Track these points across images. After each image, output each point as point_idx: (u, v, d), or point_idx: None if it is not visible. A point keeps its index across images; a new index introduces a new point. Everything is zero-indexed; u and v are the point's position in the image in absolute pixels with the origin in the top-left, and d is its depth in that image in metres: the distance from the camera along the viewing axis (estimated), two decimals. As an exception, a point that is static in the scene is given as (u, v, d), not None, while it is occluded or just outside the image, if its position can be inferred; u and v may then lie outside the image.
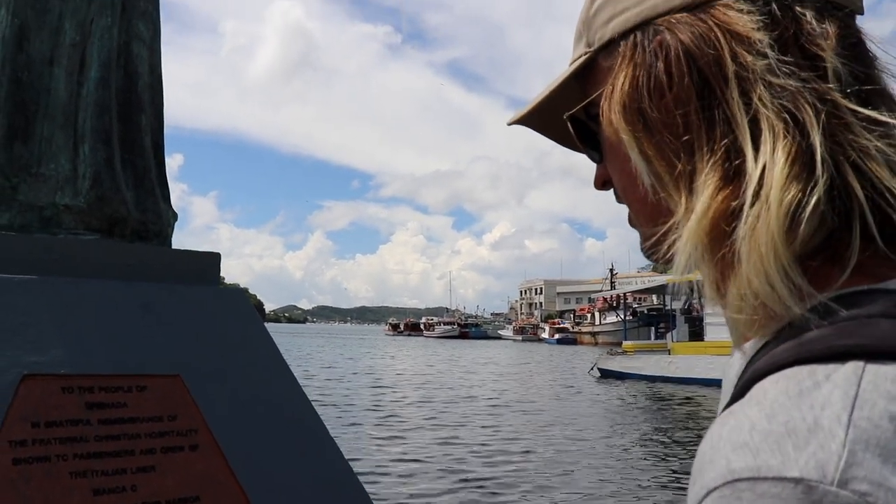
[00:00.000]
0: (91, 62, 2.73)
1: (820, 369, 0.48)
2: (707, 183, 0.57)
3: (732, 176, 0.56)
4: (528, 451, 11.77)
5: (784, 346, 0.51)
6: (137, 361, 2.37)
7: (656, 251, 0.66)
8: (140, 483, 2.19)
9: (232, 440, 2.40)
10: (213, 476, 2.32)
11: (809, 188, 0.52)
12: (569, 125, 0.73)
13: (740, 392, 0.52)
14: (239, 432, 2.44)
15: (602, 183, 0.75)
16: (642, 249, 0.71)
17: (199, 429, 2.37)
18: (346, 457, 2.75)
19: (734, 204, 0.55)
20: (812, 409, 0.45)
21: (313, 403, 2.79)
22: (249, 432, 2.47)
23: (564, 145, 0.80)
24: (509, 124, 0.79)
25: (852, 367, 0.47)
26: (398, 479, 9.57)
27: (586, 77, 0.71)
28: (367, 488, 2.76)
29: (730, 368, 0.63)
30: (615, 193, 0.73)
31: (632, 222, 0.72)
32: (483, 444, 12.36)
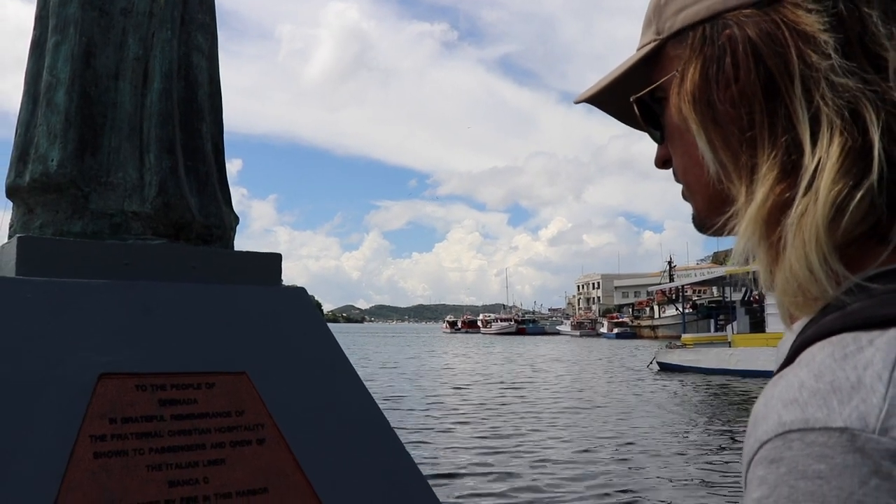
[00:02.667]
0: (154, 74, 2.85)
1: (864, 336, 0.52)
2: (767, 175, 0.61)
3: (791, 170, 0.59)
4: (586, 450, 11.72)
5: (830, 316, 0.56)
6: (205, 360, 2.48)
7: (707, 227, 0.72)
8: (211, 475, 2.30)
9: (297, 434, 2.49)
10: (280, 469, 2.41)
11: (859, 182, 0.56)
12: (634, 107, 0.76)
13: (790, 358, 0.56)
14: (304, 427, 2.52)
15: (662, 162, 0.78)
16: (694, 221, 0.75)
17: (265, 423, 2.46)
18: (410, 451, 2.81)
19: (789, 195, 0.59)
20: (855, 370, 0.50)
21: (375, 398, 2.87)
22: (314, 427, 2.55)
23: (625, 123, 0.84)
24: (576, 102, 0.82)
25: (894, 332, 0.51)
26: (460, 472, 9.64)
27: (654, 62, 0.74)
28: (431, 482, 2.83)
29: (782, 345, 0.67)
30: (674, 173, 0.77)
31: (685, 197, 0.76)
32: (542, 441, 12.35)
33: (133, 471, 2.19)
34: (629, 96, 0.77)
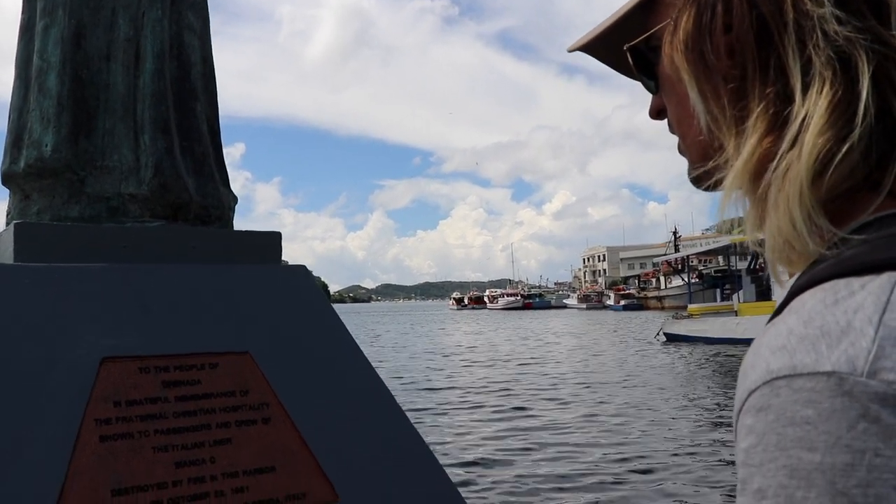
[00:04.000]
0: (145, 54, 2.82)
1: (856, 281, 0.51)
2: (756, 127, 0.59)
3: (781, 122, 0.58)
4: (591, 420, 11.77)
5: (823, 265, 0.54)
6: (208, 340, 2.47)
7: (702, 181, 0.70)
8: (218, 455, 2.29)
9: (303, 412, 2.48)
10: (286, 447, 2.41)
11: (846, 134, 0.54)
12: (628, 55, 0.75)
13: (781, 308, 0.55)
14: (309, 404, 2.52)
15: (657, 112, 0.77)
16: (689, 175, 0.74)
17: (270, 402, 2.45)
18: (416, 427, 2.81)
19: (776, 148, 0.57)
20: (846, 314, 0.49)
21: (385, 377, 2.86)
22: (319, 404, 2.55)
23: (620, 72, 0.82)
24: (570, 51, 0.81)
25: (887, 276, 0.50)
26: (467, 447, 9.69)
27: (649, 9, 0.73)
28: (438, 457, 2.83)
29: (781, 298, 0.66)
30: (669, 124, 0.76)
31: (681, 151, 0.75)
32: (547, 413, 12.40)
33: (139, 453, 2.18)
34: (624, 45, 0.75)
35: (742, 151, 0.60)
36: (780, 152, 0.56)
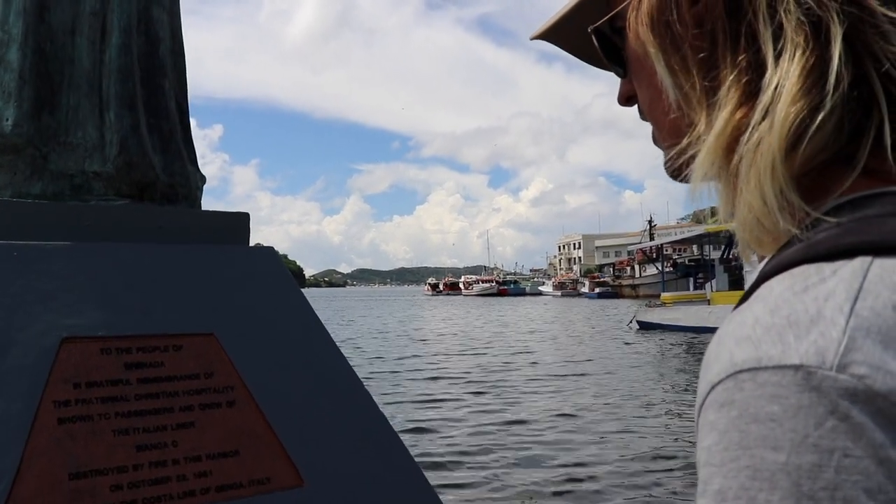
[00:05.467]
0: (112, 29, 2.75)
1: (827, 266, 0.48)
2: (728, 98, 0.57)
3: (753, 92, 0.55)
4: (560, 409, 11.85)
5: (793, 248, 0.52)
6: (172, 321, 2.42)
7: (678, 168, 0.66)
8: (180, 439, 2.25)
9: (268, 395, 2.45)
10: (250, 430, 2.38)
11: (818, 103, 0.52)
12: (593, 39, 0.72)
13: (748, 294, 0.52)
14: (274, 387, 2.48)
15: (626, 98, 0.74)
16: (666, 167, 0.71)
17: (235, 385, 2.42)
18: (383, 410, 2.79)
19: (749, 120, 0.55)
20: (815, 301, 0.46)
21: (349, 360, 2.83)
22: (284, 387, 2.51)
23: (587, 61, 0.79)
24: (532, 39, 0.78)
25: (859, 262, 0.47)
26: (433, 431, 9.70)
27: None
28: (404, 439, 2.81)
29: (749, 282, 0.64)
30: (639, 110, 0.73)
31: (655, 140, 0.72)
32: (519, 402, 12.45)
33: (99, 436, 2.14)
34: (587, 29, 0.72)
35: (714, 125, 0.57)
36: (751, 124, 0.54)
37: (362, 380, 2.81)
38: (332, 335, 2.80)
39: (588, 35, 0.72)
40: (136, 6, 2.82)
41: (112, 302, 2.36)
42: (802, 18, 0.53)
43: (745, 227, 0.56)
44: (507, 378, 15.19)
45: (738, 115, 0.56)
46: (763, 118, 0.53)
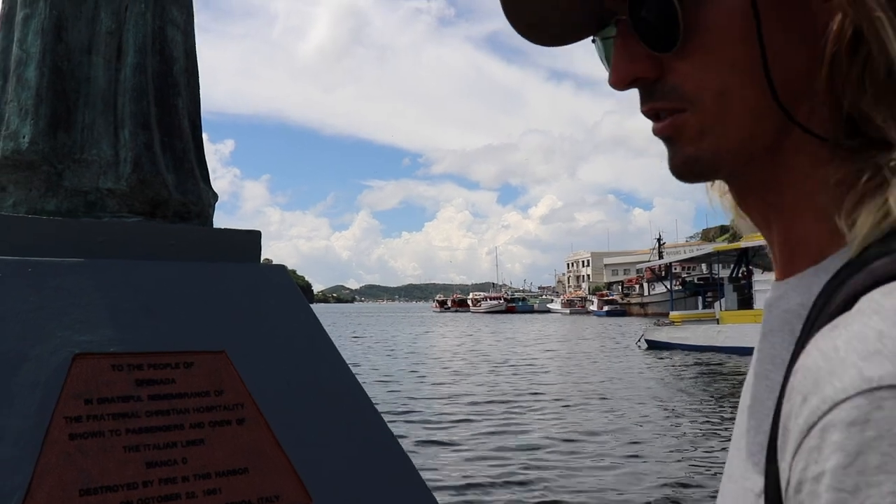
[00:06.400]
0: (127, 48, 2.79)
1: None
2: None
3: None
4: (569, 432, 11.79)
5: (882, 261, 0.48)
6: (183, 339, 2.44)
7: (736, 163, 0.59)
8: (190, 456, 2.26)
9: (278, 413, 2.46)
10: (260, 448, 2.38)
11: None
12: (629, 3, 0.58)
13: (841, 309, 0.48)
14: (284, 405, 2.49)
15: (632, 80, 0.60)
16: (694, 163, 0.59)
17: (245, 403, 2.43)
18: (392, 429, 2.79)
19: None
20: None
21: (359, 378, 2.84)
22: (294, 405, 2.52)
23: (541, 29, 0.64)
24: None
25: None
26: (443, 451, 9.67)
27: None
28: (413, 459, 2.81)
29: (777, 301, 0.60)
30: (665, 93, 0.59)
31: (689, 132, 0.58)
32: (528, 423, 12.40)
33: (109, 452, 2.15)
34: None
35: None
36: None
37: (371, 398, 2.81)
38: (341, 352, 2.81)
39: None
40: (151, 26, 2.86)
41: (124, 318, 2.38)
42: None
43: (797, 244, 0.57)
44: (516, 398, 15.12)
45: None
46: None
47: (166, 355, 2.37)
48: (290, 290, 2.82)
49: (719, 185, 0.69)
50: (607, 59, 0.64)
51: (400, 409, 13.14)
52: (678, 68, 0.57)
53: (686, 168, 0.59)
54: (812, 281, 0.55)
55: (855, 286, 0.48)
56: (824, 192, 0.55)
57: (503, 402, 14.35)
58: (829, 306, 0.50)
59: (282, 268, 2.88)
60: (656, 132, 0.60)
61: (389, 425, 2.79)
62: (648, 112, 0.60)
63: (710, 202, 0.71)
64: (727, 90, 0.56)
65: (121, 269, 2.48)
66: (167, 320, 2.45)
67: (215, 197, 3.01)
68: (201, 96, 3.10)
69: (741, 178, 0.61)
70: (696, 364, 21.70)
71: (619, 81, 0.59)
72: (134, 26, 2.80)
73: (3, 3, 2.86)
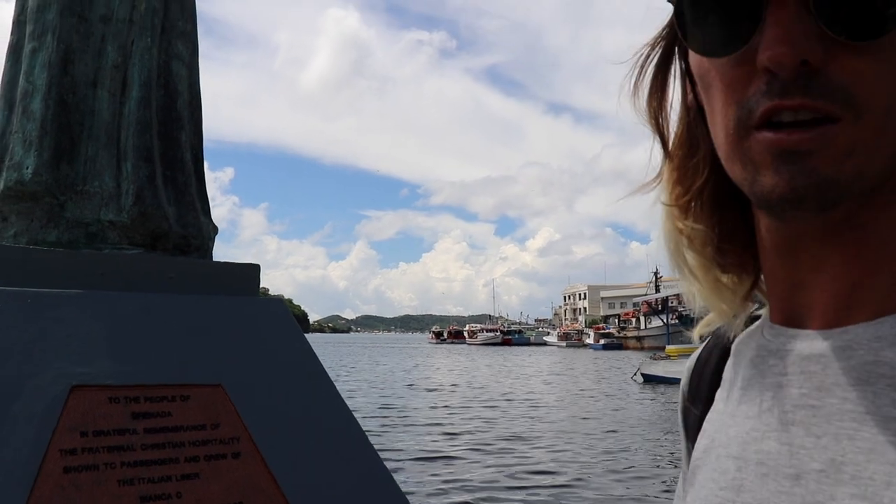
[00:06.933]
0: (132, 82, 2.82)
1: None
2: None
3: None
4: (565, 462, 11.72)
5: None
6: (181, 371, 2.44)
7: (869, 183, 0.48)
8: (185, 490, 2.25)
9: (273, 448, 2.45)
10: (255, 483, 2.37)
11: None
12: None
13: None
14: (280, 440, 2.49)
15: (802, 62, 0.45)
16: (819, 188, 0.47)
17: (241, 437, 2.42)
18: (387, 464, 2.78)
19: None
20: None
21: (354, 411, 2.84)
22: (290, 440, 2.52)
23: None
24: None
25: None
26: (439, 487, 9.59)
27: None
28: (407, 493, 2.80)
29: (845, 351, 0.51)
30: (839, 94, 0.46)
31: (820, 147, 0.46)
32: (522, 456, 12.32)
33: (104, 486, 2.14)
34: None
35: None
36: None
37: (367, 432, 2.81)
38: (337, 384, 2.81)
39: None
40: (156, 60, 2.90)
41: (122, 351, 2.38)
42: None
43: None
44: (515, 434, 15.02)
45: None
46: None
47: (163, 388, 2.38)
48: (288, 322, 2.83)
49: (703, 264, 0.62)
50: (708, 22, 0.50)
51: (396, 444, 13.05)
52: (854, 66, 0.45)
53: (817, 193, 0.47)
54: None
55: None
56: None
57: (499, 437, 14.25)
58: None
59: (279, 300, 2.89)
60: (791, 144, 0.46)
61: (384, 460, 2.79)
62: (794, 107, 0.46)
63: (686, 283, 0.64)
64: None
65: (120, 301, 2.49)
66: (165, 353, 2.46)
67: (215, 230, 3.03)
68: (203, 125, 3.14)
69: (843, 211, 0.49)
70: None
71: (792, 58, 0.45)
72: (140, 60, 2.84)
73: (10, 34, 2.90)
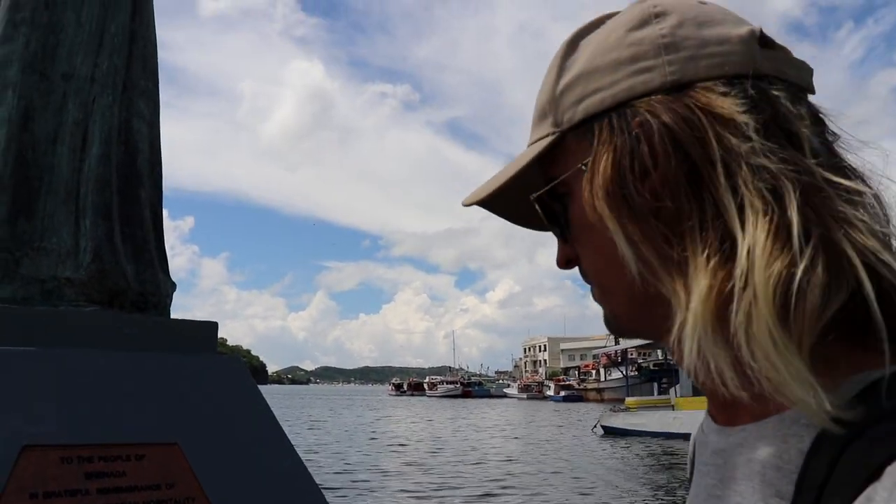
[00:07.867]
0: (93, 139, 2.84)
1: None
2: (703, 267, 0.55)
3: (726, 259, 0.54)
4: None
5: (887, 428, 0.49)
6: (136, 430, 2.42)
7: (630, 330, 0.67)
8: (137, 552, 2.22)
9: (228, 507, 2.43)
10: (209, 544, 2.34)
11: (793, 262, 0.51)
12: (536, 206, 0.69)
13: (865, 479, 0.47)
14: (235, 499, 2.46)
15: (566, 262, 0.70)
16: (609, 324, 0.69)
17: (196, 497, 2.40)
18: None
19: (731, 285, 0.53)
20: None
21: (312, 470, 2.82)
22: (245, 499, 2.49)
23: (520, 224, 0.76)
24: (465, 205, 0.74)
25: None
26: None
27: (551, 157, 0.67)
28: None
29: (738, 449, 0.59)
30: (582, 272, 0.69)
31: (598, 299, 0.69)
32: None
33: (54, 549, 2.10)
34: (524, 195, 0.69)
35: (696, 293, 0.55)
36: (735, 293, 0.52)
37: (327, 490, 2.79)
38: (295, 441, 2.80)
39: (519, 199, 0.70)
40: (117, 118, 2.92)
41: (76, 409, 2.36)
42: (760, 185, 0.54)
43: (777, 393, 0.52)
44: (473, 489, 14.86)
45: (718, 279, 0.54)
46: (744, 286, 0.52)
47: (117, 447, 2.35)
48: (245, 380, 2.82)
49: None
50: None
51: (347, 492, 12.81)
52: (581, 254, 0.68)
53: (612, 329, 0.70)
54: (784, 432, 0.55)
55: (877, 457, 0.47)
56: None
57: (460, 492, 14.09)
58: (843, 473, 0.49)
59: (237, 358, 2.89)
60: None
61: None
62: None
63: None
64: (600, 271, 0.67)
65: (75, 358, 2.47)
66: (120, 412, 2.43)
67: (174, 286, 3.03)
68: (163, 180, 3.15)
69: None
70: (650, 455, 21.59)
71: (558, 261, 0.71)
72: (101, 118, 2.86)
73: (-29, 91, 2.90)
